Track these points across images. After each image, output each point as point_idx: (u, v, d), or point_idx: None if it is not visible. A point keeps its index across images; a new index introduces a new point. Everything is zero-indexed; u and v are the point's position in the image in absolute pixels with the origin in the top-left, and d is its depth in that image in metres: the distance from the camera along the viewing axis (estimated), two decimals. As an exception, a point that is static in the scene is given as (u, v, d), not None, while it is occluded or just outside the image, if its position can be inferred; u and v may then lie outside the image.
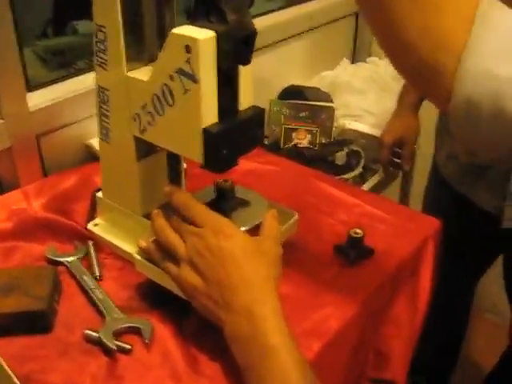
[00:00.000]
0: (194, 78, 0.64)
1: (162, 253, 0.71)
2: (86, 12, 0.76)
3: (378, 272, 0.85)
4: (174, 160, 0.81)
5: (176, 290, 0.70)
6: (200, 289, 0.65)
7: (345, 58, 1.83)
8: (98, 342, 0.70)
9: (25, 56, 1.09)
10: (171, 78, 0.67)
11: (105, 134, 0.81)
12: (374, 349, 0.92)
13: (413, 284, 0.94)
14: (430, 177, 1.48)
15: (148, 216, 0.82)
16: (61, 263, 0.83)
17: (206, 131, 0.67)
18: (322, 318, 0.77)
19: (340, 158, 1.51)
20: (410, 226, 0.96)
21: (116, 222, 0.87)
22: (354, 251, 0.85)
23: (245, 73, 0.70)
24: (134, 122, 0.74)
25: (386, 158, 1.46)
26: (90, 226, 0.90)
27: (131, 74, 0.73)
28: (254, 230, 0.73)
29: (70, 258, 0.84)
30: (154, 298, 0.77)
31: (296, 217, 0.84)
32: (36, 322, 0.72)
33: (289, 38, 1.65)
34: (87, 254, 0.85)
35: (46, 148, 1.10)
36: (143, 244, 0.72)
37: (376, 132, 1.63)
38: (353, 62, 1.88)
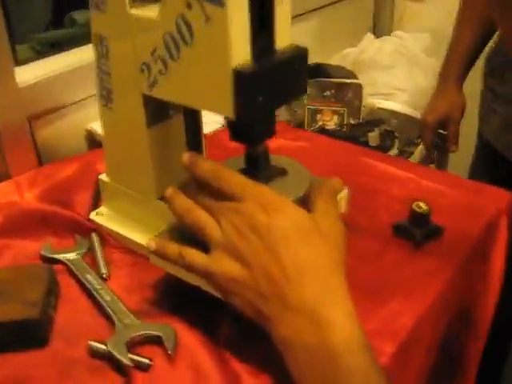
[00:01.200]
0: (218, 0, 0.49)
1: (183, 241, 0.55)
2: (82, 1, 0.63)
3: (450, 255, 0.69)
4: (192, 125, 0.65)
5: (205, 286, 0.54)
6: (242, 280, 0.49)
7: (368, 33, 1.67)
8: (107, 357, 0.54)
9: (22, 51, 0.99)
10: (188, 5, 0.51)
11: (106, 98, 0.65)
12: (444, 351, 0.76)
13: (484, 269, 0.78)
14: (476, 155, 1.31)
15: (163, 198, 0.67)
16: (59, 261, 0.67)
17: (236, 73, 0.51)
18: (390, 314, 0.60)
19: (373, 138, 1.34)
20: (477, 200, 0.80)
21: (125, 210, 0.71)
22: (419, 230, 0.69)
23: (281, 7, 0.54)
24: (141, 74, 0.58)
25: (429, 140, 1.29)
26: (92, 215, 0.74)
27: (135, 12, 0.57)
28: (298, 205, 0.56)
29: (70, 255, 0.68)
30: (177, 297, 0.61)
31: (346, 191, 0.68)
32: (28, 334, 0.56)
33: (305, 13, 1.50)
34: (90, 250, 0.69)
35: (41, 133, 0.95)
36: (153, 245, 0.56)
37: (409, 111, 1.47)
38: (376, 38, 1.72)
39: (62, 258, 0.67)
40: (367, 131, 1.38)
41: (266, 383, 0.52)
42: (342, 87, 1.41)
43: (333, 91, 1.40)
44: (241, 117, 0.52)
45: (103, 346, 0.55)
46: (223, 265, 0.50)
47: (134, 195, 0.69)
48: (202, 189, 0.55)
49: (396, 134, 1.40)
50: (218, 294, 0.53)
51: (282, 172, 0.62)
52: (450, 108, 1.29)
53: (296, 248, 0.49)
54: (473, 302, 0.79)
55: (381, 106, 1.46)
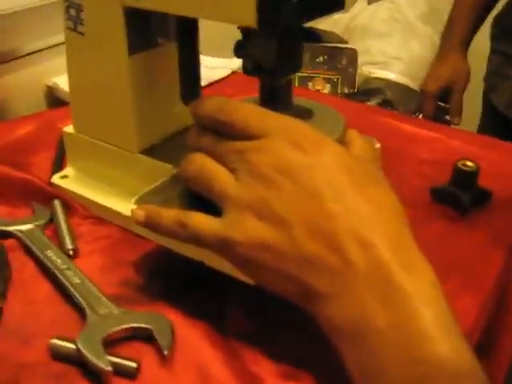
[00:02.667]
0: None
1: (184, 201, 0.41)
2: None
3: (504, 224, 0.56)
4: (188, 56, 0.49)
5: (211, 261, 0.40)
6: (276, 245, 0.35)
7: (360, -2, 1.54)
8: (75, 360, 0.39)
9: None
10: None
11: (74, 18, 0.49)
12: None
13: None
14: (483, 126, 1.20)
15: (148, 152, 0.52)
16: (10, 234, 0.52)
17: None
18: (448, 298, 0.47)
19: (371, 108, 1.21)
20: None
21: (96, 170, 0.56)
22: (467, 194, 0.56)
23: None
24: (121, -21, 0.43)
25: (430, 110, 1.16)
26: (55, 178, 0.58)
27: None
28: None
29: (25, 227, 0.52)
30: (170, 277, 0.47)
31: (378, 145, 0.54)
32: (-35, 331, 0.41)
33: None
34: (52, 221, 0.53)
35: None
36: (141, 215, 0.41)
37: (406, 81, 1.34)
38: (369, 3, 1.58)
39: (14, 231, 0.52)
40: (363, 101, 1.25)
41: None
42: (336, 53, 1.27)
43: (325, 57, 1.27)
44: (265, 23, 0.38)
45: (70, 345, 0.40)
46: (246, 228, 0.36)
47: (108, 149, 0.53)
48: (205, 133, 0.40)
49: (393, 105, 1.27)
50: (229, 271, 0.39)
51: (307, 113, 0.48)
52: (453, 75, 1.16)
53: (348, 192, 0.35)
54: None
55: (376, 75, 1.34)
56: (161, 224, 0.39)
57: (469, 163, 0.56)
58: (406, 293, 0.32)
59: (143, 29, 0.48)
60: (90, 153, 0.56)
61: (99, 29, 0.48)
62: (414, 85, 1.38)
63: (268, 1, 0.37)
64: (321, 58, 1.26)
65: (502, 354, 0.70)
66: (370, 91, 1.28)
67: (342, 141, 0.44)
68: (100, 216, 0.54)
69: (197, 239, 0.38)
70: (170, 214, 0.40)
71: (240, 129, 0.38)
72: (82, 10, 0.48)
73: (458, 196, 0.56)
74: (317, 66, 1.26)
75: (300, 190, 0.35)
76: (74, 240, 0.51)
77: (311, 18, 0.42)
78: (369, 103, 1.24)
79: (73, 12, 0.49)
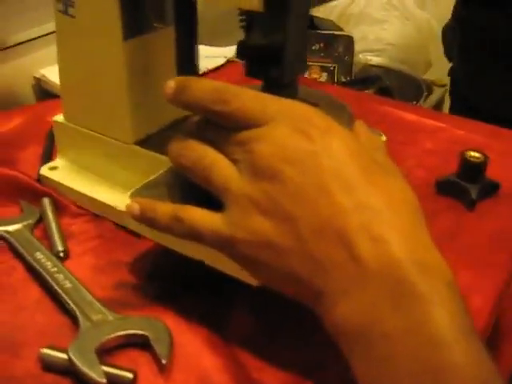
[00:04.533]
0: None
1: (182, 195, 0.39)
2: None
3: (513, 217, 0.54)
4: (186, 42, 0.46)
5: (212, 261, 0.38)
6: (280, 243, 0.32)
7: (355, -16, 1.50)
8: (67, 370, 0.37)
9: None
10: None
11: (64, 1, 0.46)
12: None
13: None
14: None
15: (143, 143, 0.49)
16: (-4, 235, 0.49)
17: None
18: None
19: (369, 96, 1.19)
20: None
21: (88, 161, 0.53)
22: (475, 186, 0.53)
23: None
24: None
25: None
26: (43, 170, 0.55)
27: None
28: None
29: (13, 227, 0.50)
30: (167, 279, 0.44)
31: (384, 137, 0.52)
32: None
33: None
34: (41, 220, 0.51)
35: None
36: (136, 208, 0.38)
37: (403, 67, 1.32)
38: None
39: (1, 232, 0.49)
40: (360, 90, 1.22)
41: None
42: (332, 40, 1.24)
43: (321, 45, 1.24)
44: (272, 6, 0.35)
45: (62, 355, 0.37)
46: (249, 224, 0.33)
47: (100, 140, 0.50)
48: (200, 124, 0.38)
49: (392, 93, 1.24)
50: (231, 272, 0.36)
51: (314, 105, 0.45)
52: None
53: (358, 184, 0.32)
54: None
55: (373, 62, 1.31)
56: (156, 219, 0.37)
57: (476, 154, 0.54)
58: (420, 295, 0.30)
59: (138, 12, 0.45)
60: (81, 143, 0.53)
61: (91, 12, 0.45)
62: (412, 71, 1.35)
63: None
64: (317, 46, 1.23)
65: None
66: (367, 79, 1.26)
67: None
68: (91, 211, 0.52)
69: (194, 235, 0.36)
70: (165, 208, 0.37)
71: (240, 118, 0.35)
72: (72, -9, 0.45)
73: (466, 189, 0.53)
74: (313, 54, 1.23)
75: (307, 183, 0.32)
76: (64, 241, 0.48)
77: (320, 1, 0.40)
78: (367, 91, 1.22)
79: (61, -5, 0.46)
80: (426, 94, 1.37)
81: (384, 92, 1.23)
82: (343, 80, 1.25)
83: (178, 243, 0.39)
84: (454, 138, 0.67)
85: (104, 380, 0.35)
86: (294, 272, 0.32)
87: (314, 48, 1.23)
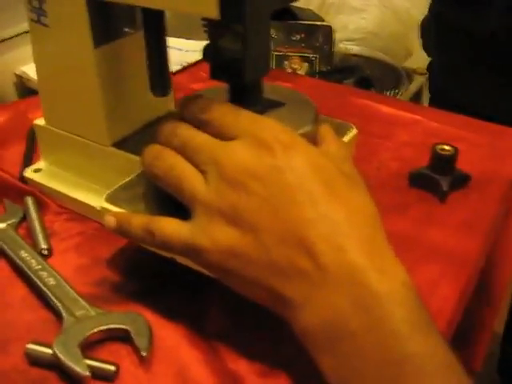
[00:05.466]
0: None
1: (148, 203, 0.41)
2: None
3: (483, 208, 0.56)
4: (156, 46, 0.48)
5: (181, 259, 0.39)
6: (245, 252, 0.34)
7: (335, -27, 1.51)
8: (52, 365, 0.38)
9: None
10: None
11: (37, 10, 0.47)
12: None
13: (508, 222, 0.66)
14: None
15: (119, 145, 0.50)
16: (-19, 235, 0.50)
17: None
18: (427, 285, 0.47)
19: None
20: (499, 143, 0.67)
21: (69, 163, 0.55)
22: (446, 179, 0.55)
23: None
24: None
25: None
26: (28, 172, 0.56)
27: None
28: None
29: (-3, 226, 0.51)
30: (147, 276, 0.46)
31: (355, 130, 0.54)
32: None
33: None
34: (25, 218, 0.52)
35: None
36: (112, 222, 0.40)
37: (383, 56, 1.33)
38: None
39: (-15, 231, 0.50)
40: (340, 79, 1.23)
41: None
42: (312, 30, 1.25)
43: (302, 35, 1.24)
44: (227, 14, 0.36)
45: (47, 350, 0.39)
46: (214, 234, 0.35)
47: (80, 143, 0.52)
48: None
49: (372, 82, 1.26)
50: (200, 268, 0.38)
51: (277, 104, 0.47)
52: None
53: (320, 197, 0.34)
54: (493, 262, 0.67)
55: (353, 51, 1.32)
56: (131, 231, 0.39)
57: (447, 147, 0.56)
58: (378, 295, 0.32)
59: (108, 19, 0.46)
60: (63, 146, 0.54)
61: (63, 21, 0.46)
62: (392, 61, 1.37)
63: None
64: (297, 37, 1.24)
65: (480, 343, 0.71)
66: (347, 69, 1.27)
67: (314, 133, 0.43)
68: (74, 210, 0.53)
69: (165, 246, 0.38)
70: (138, 221, 0.39)
71: (216, 128, 0.37)
72: (44, 2, 0.46)
73: (437, 181, 0.55)
74: (293, 44, 1.24)
75: (270, 195, 0.34)
76: (47, 238, 0.49)
77: (277, 6, 0.41)
78: (347, 81, 1.23)
79: (35, 3, 0.46)
80: (406, 82, 1.39)
81: (364, 81, 1.25)
82: (324, 70, 1.26)
83: None
84: (428, 131, 0.69)
85: (87, 373, 0.37)
86: (260, 280, 0.34)
87: (293, 38, 1.24)
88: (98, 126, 0.49)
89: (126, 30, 0.48)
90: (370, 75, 1.28)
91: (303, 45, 1.25)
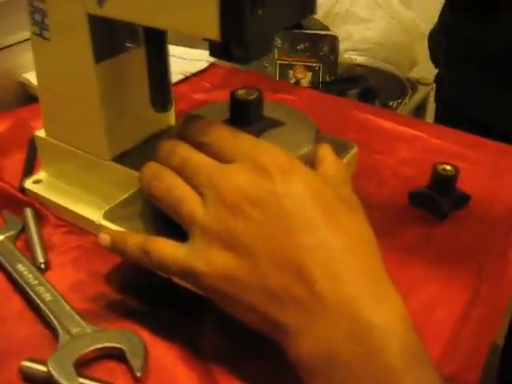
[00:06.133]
0: None
1: (148, 221, 0.41)
2: None
3: (484, 228, 0.56)
4: (157, 61, 0.48)
5: (176, 278, 0.39)
6: (242, 278, 0.34)
7: (341, -18, 1.51)
8: (46, 382, 0.38)
9: None
10: None
11: (40, 24, 0.47)
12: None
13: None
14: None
15: (120, 159, 0.51)
16: (-21, 247, 0.50)
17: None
18: (425, 307, 0.46)
19: (353, 97, 1.20)
20: (501, 161, 0.67)
21: (69, 175, 0.55)
22: (446, 199, 0.55)
23: None
24: (86, -14, 0.42)
25: None
26: (28, 183, 0.57)
27: None
28: None
29: (-5, 238, 0.51)
30: (143, 293, 0.46)
31: (356, 149, 0.54)
32: None
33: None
34: (23, 230, 0.52)
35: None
36: (107, 239, 0.40)
37: (388, 67, 1.33)
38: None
39: (-17, 243, 0.50)
40: (345, 89, 1.23)
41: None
42: (317, 40, 1.25)
43: (306, 44, 1.24)
44: (229, 39, 0.36)
45: (41, 368, 0.39)
46: (211, 258, 0.35)
47: (80, 156, 0.52)
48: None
49: (376, 93, 1.26)
50: (194, 288, 0.38)
51: (277, 124, 0.47)
52: None
53: (318, 223, 0.34)
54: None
55: (358, 62, 1.32)
56: (127, 250, 0.39)
57: (448, 167, 0.56)
58: (374, 327, 0.32)
59: (110, 35, 0.46)
60: (63, 158, 0.54)
61: (64, 36, 0.46)
62: (397, 71, 1.37)
63: (231, 13, 0.35)
64: (301, 46, 1.24)
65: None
66: (352, 79, 1.27)
67: (313, 154, 0.43)
68: (73, 223, 0.53)
69: (161, 267, 0.38)
70: (134, 241, 0.39)
71: (215, 150, 0.37)
72: (46, 16, 0.46)
73: (437, 201, 0.55)
74: (297, 53, 1.24)
75: (268, 221, 0.34)
76: (45, 252, 0.50)
77: (279, 28, 0.41)
78: (351, 91, 1.23)
79: (38, 17, 0.47)
80: (410, 92, 1.39)
81: (368, 92, 1.24)
82: (328, 79, 1.26)
83: None
84: (430, 147, 0.69)
85: (81, 392, 0.37)
86: (255, 306, 0.34)
87: (298, 47, 1.24)
88: (98, 139, 0.49)
89: (128, 45, 0.48)
90: (375, 85, 1.28)
91: (308, 54, 1.25)
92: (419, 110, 1.44)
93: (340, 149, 0.52)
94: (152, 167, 0.39)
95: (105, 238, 0.40)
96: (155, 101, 0.48)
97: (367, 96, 1.24)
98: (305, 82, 1.25)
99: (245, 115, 0.44)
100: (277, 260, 0.33)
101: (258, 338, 0.38)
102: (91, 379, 0.38)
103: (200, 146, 0.38)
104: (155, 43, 0.45)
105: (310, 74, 1.25)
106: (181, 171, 0.38)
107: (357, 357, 0.31)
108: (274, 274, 0.33)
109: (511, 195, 0.61)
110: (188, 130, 0.39)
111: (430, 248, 0.53)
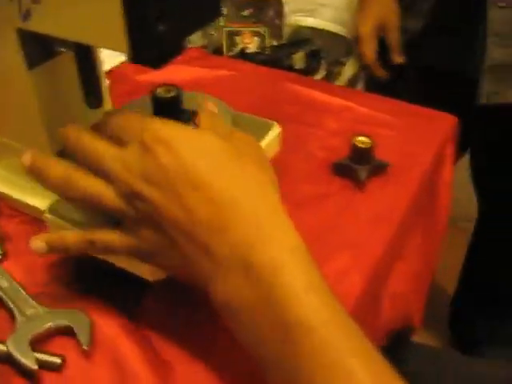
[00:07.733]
0: None
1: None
2: None
3: (398, 195, 0.62)
4: (85, 62, 0.52)
5: (119, 263, 0.45)
6: (160, 246, 0.40)
7: None
8: (6, 359, 0.44)
9: None
10: None
11: (-28, 34, 0.51)
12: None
13: (432, 205, 0.72)
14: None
15: (63, 153, 0.55)
16: None
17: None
18: (338, 271, 0.53)
19: (299, 60, 1.24)
20: (422, 127, 0.73)
21: (19, 168, 0.59)
22: (364, 168, 0.61)
23: None
24: (10, 3, 0.45)
25: (372, 53, 1.17)
26: (-20, 178, 0.61)
27: None
28: None
29: (-47, 232, 0.56)
30: (91, 276, 0.51)
31: (278, 128, 0.59)
32: None
33: None
34: (-22, 222, 0.57)
35: None
36: (39, 245, 0.45)
37: (335, 28, 1.37)
38: None
39: None
40: (291, 53, 1.27)
41: (203, 372, 0.44)
42: (262, 5, 1.28)
43: (252, 10, 1.27)
44: (138, 55, 0.41)
45: (2, 347, 0.45)
46: (137, 235, 0.41)
47: (24, 151, 0.56)
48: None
49: (322, 55, 1.30)
50: (130, 268, 0.45)
51: (197, 115, 0.52)
52: (385, 11, 1.15)
53: (205, 180, 0.39)
54: (418, 238, 0.74)
55: (304, 23, 1.35)
56: (68, 247, 0.44)
57: (364, 139, 0.62)
58: (264, 267, 0.36)
59: (40, 42, 0.50)
60: (9, 153, 0.58)
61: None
62: (343, 31, 1.40)
63: (135, 28, 0.40)
64: (247, 12, 1.27)
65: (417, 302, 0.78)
66: (298, 42, 1.30)
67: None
68: (26, 214, 0.58)
69: (108, 250, 0.43)
70: (74, 237, 0.43)
71: (115, 136, 0.42)
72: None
73: (355, 170, 0.61)
74: (243, 19, 1.27)
75: (164, 194, 0.38)
76: (2, 242, 0.55)
77: (188, 34, 0.45)
78: (298, 54, 1.27)
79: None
80: (356, 52, 1.43)
81: (315, 53, 1.28)
82: (275, 44, 1.29)
83: None
84: (358, 117, 0.74)
85: (36, 366, 0.43)
86: (177, 266, 0.41)
87: (243, 14, 1.27)
88: (39, 138, 0.54)
89: (60, 49, 0.52)
90: (321, 47, 1.31)
91: (254, 20, 1.28)
92: (366, 68, 1.48)
93: (259, 130, 0.56)
94: (59, 170, 0.43)
95: (40, 246, 0.44)
96: (88, 100, 0.53)
97: (313, 58, 1.28)
98: (252, 48, 1.28)
99: (165, 112, 0.49)
100: (179, 227, 0.38)
101: (196, 308, 0.44)
102: (45, 353, 0.44)
103: (106, 135, 0.42)
104: (82, 50, 0.49)
105: (257, 38, 1.28)
106: (86, 162, 0.42)
107: (257, 300, 0.36)
108: (182, 239, 0.38)
109: (427, 164, 0.67)
110: (100, 121, 0.44)
111: (347, 216, 0.58)
